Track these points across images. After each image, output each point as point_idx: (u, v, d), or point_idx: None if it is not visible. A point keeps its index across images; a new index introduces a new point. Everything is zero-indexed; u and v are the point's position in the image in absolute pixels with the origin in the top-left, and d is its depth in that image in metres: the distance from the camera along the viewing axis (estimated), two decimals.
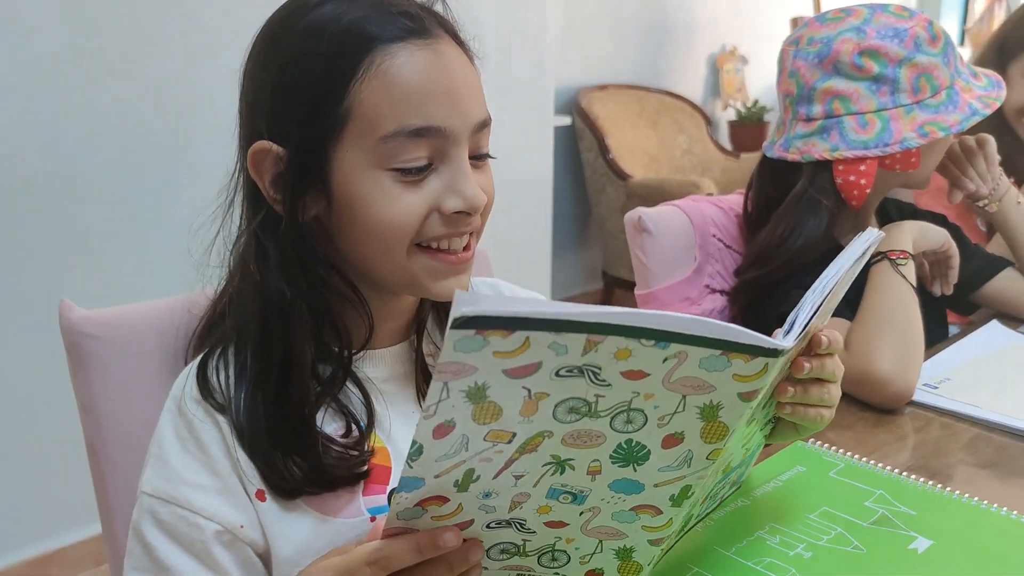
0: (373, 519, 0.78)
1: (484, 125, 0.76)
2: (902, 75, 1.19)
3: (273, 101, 0.73)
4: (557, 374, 0.51)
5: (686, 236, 1.37)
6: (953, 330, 1.44)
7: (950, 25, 5.82)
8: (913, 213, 1.41)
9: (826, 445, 0.96)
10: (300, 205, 0.74)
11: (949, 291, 1.31)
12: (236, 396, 0.75)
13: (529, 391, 0.52)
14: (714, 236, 1.39)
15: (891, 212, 1.40)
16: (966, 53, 5.00)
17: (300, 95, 0.72)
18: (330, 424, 0.77)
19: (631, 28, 4.07)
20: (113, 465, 0.84)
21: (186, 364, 0.83)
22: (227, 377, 0.76)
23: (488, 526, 0.63)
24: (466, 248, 0.77)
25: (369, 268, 0.77)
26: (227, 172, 0.81)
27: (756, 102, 4.47)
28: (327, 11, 0.73)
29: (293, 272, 0.75)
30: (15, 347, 1.90)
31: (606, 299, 3.81)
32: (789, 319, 0.64)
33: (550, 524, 0.65)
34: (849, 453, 0.94)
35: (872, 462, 0.92)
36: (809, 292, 0.67)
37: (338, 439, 0.77)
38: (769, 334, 1.24)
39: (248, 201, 0.77)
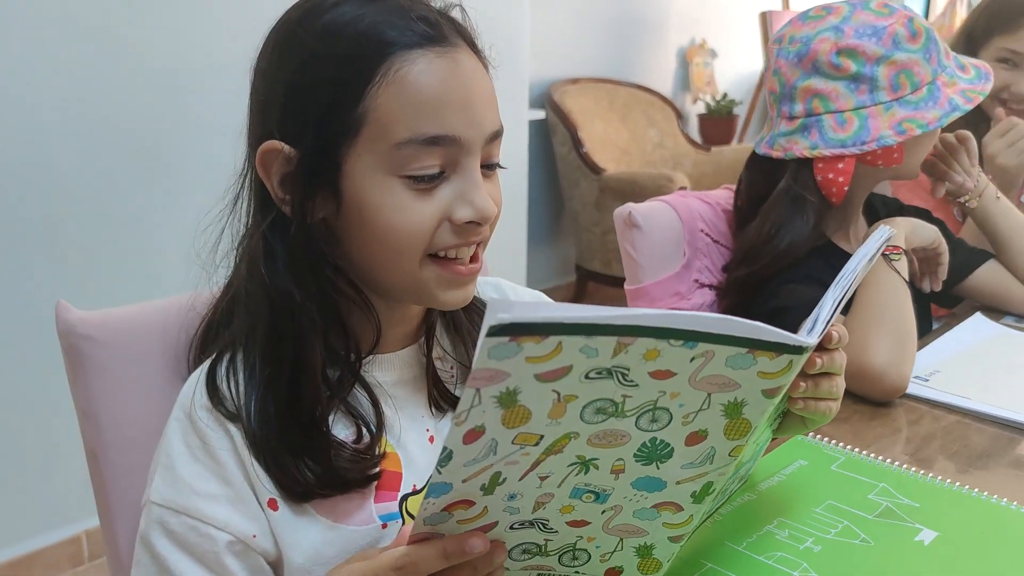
0: (384, 526, 0.77)
1: (497, 135, 0.75)
2: (880, 73, 1.20)
3: (287, 101, 0.72)
4: (587, 376, 0.52)
5: (675, 231, 1.37)
6: (936, 323, 1.46)
7: None
8: (899, 208, 1.43)
9: (825, 439, 0.97)
10: (309, 206, 0.73)
11: (938, 288, 1.33)
12: (247, 402, 0.74)
13: (559, 394, 0.52)
14: (702, 231, 1.39)
15: (877, 207, 1.42)
16: None
17: (315, 96, 0.71)
18: (340, 429, 0.77)
19: (601, 21, 4.08)
20: (114, 468, 0.83)
21: (188, 365, 0.82)
22: (237, 384, 0.75)
23: (511, 527, 0.63)
24: (474, 259, 0.76)
25: (376, 274, 0.76)
26: (227, 170, 0.79)
27: (725, 95, 4.50)
28: (345, 12, 0.72)
29: (302, 274, 0.74)
30: (7, 350, 1.87)
31: (579, 292, 3.82)
32: (812, 316, 0.64)
33: (572, 523, 0.65)
34: (849, 446, 0.95)
35: (872, 455, 0.94)
36: (830, 289, 0.67)
37: (349, 444, 0.76)
38: None
39: (256, 201, 0.76)
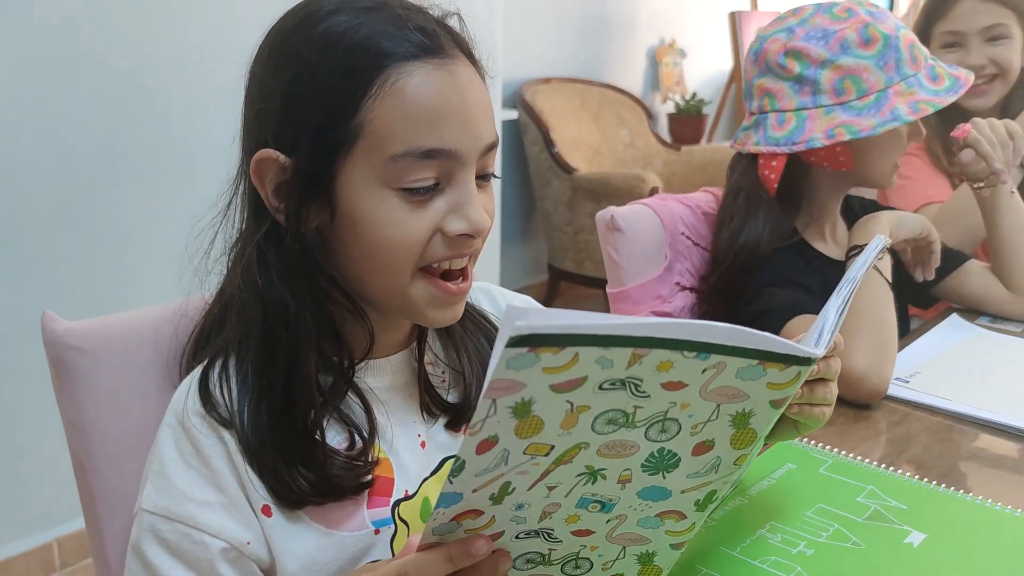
0: (377, 531, 0.78)
1: (493, 146, 0.75)
2: (823, 76, 1.23)
3: (282, 110, 0.71)
4: (600, 387, 0.52)
5: (656, 235, 1.38)
6: (913, 323, 1.48)
7: None
8: (874, 207, 1.45)
9: (812, 442, 0.98)
10: (303, 216, 0.72)
11: (931, 276, 1.35)
12: (240, 408, 0.74)
13: (572, 404, 0.52)
14: (683, 234, 1.40)
15: (856, 208, 1.43)
16: None
17: (311, 106, 0.70)
18: (333, 435, 0.77)
19: (572, 21, 4.09)
20: (103, 479, 0.82)
21: (180, 371, 0.82)
22: (230, 390, 0.75)
23: (516, 536, 0.63)
24: (464, 277, 0.76)
25: (367, 286, 0.76)
26: (215, 178, 0.79)
27: (695, 95, 4.53)
28: (342, 21, 0.71)
29: (296, 283, 0.74)
30: None
31: (552, 292, 3.83)
32: (816, 327, 0.65)
33: (577, 533, 0.65)
34: (835, 449, 0.96)
35: (858, 458, 0.95)
36: (832, 299, 0.68)
37: (342, 451, 0.76)
38: None
39: (250, 210, 0.76)
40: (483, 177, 0.76)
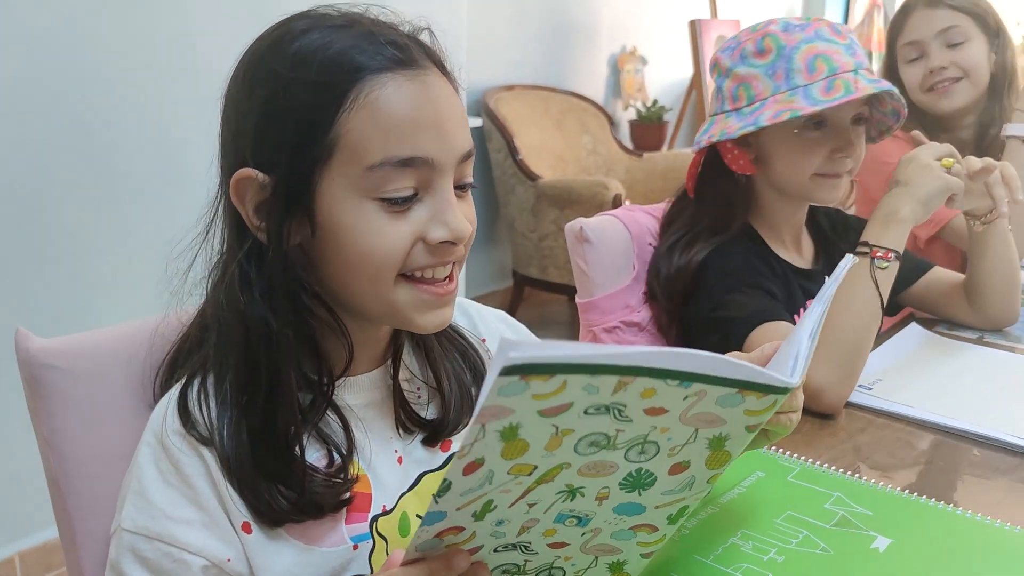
0: (356, 547, 0.78)
1: (469, 155, 0.77)
2: (725, 84, 1.30)
3: (258, 129, 0.72)
4: (586, 412, 0.53)
5: (624, 245, 1.40)
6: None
7: None
8: (843, 220, 1.48)
9: (780, 450, 1.00)
10: (284, 233, 0.73)
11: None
12: (220, 426, 0.74)
13: (557, 428, 0.54)
14: (650, 244, 1.43)
15: (820, 220, 1.46)
16: None
17: (286, 124, 0.71)
18: (311, 452, 0.77)
19: (535, 28, 4.11)
20: (79, 499, 0.81)
21: (155, 391, 0.82)
22: (209, 408, 0.75)
23: (495, 550, 0.64)
24: (449, 279, 0.78)
25: (352, 297, 0.77)
26: (193, 197, 0.79)
27: (655, 102, 4.57)
28: (315, 39, 0.72)
29: (278, 301, 0.74)
30: None
31: (516, 297, 3.84)
32: (791, 354, 0.67)
33: (553, 545, 0.67)
34: (803, 457, 0.99)
35: (825, 465, 0.97)
36: (805, 323, 0.70)
37: (321, 468, 0.77)
38: (707, 335, 1.27)
39: (231, 229, 0.76)
40: (462, 187, 0.77)
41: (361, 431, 0.81)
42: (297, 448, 0.75)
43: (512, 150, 3.58)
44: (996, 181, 1.27)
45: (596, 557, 0.70)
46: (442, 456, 0.87)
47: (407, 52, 0.73)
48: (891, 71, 1.91)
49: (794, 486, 0.93)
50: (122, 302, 1.95)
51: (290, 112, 0.71)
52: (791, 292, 1.35)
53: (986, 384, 1.23)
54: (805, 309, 1.21)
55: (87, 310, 1.95)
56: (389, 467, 0.83)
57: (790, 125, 1.25)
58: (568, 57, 4.31)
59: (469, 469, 0.53)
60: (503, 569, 0.68)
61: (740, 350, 1.19)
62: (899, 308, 1.52)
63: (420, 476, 0.85)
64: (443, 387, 0.87)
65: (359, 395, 0.83)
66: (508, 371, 0.47)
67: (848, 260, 0.75)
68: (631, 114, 4.62)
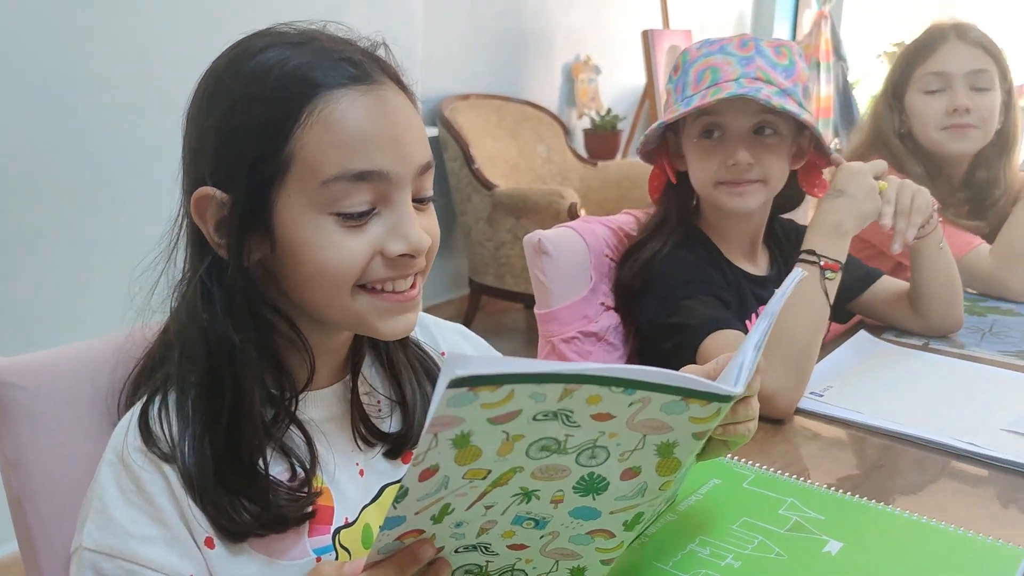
0: (319, 559, 0.79)
1: (427, 168, 0.78)
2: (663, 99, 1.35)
3: (216, 147, 0.73)
4: (534, 418, 0.56)
5: (581, 257, 1.42)
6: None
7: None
8: (795, 230, 1.51)
9: (735, 458, 1.03)
10: (245, 249, 0.74)
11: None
12: (182, 443, 0.75)
13: (507, 434, 0.56)
14: (607, 256, 1.45)
15: (776, 228, 1.50)
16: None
17: (242, 142, 0.72)
18: (275, 467, 0.78)
19: (490, 37, 4.13)
20: (42, 519, 0.81)
21: (119, 409, 0.82)
22: (170, 425, 0.75)
23: (456, 551, 0.67)
24: (412, 287, 0.79)
25: (315, 311, 0.78)
26: (155, 210, 0.79)
27: (609, 111, 4.62)
28: (270, 57, 0.73)
29: (241, 318, 0.75)
30: None
31: (472, 306, 3.85)
32: (736, 364, 0.69)
33: (512, 547, 0.69)
34: (757, 464, 1.01)
35: (778, 471, 1.00)
36: (752, 335, 0.72)
37: (284, 483, 0.77)
38: (662, 341, 1.30)
39: (193, 247, 0.77)
40: (421, 200, 0.78)
41: (324, 445, 0.82)
42: (261, 462, 0.76)
43: (468, 159, 3.60)
44: (902, 211, 1.29)
45: (557, 561, 0.72)
46: (404, 468, 0.88)
47: (362, 68, 0.74)
48: (897, 94, 1.84)
49: (749, 492, 0.96)
50: (83, 320, 1.93)
51: (246, 130, 0.72)
52: (743, 299, 1.38)
53: (932, 390, 1.28)
54: (758, 315, 1.24)
55: (48, 328, 1.93)
56: (351, 480, 0.84)
57: (691, 135, 1.33)
58: (523, 66, 4.34)
59: (424, 476, 0.55)
60: (465, 569, 0.70)
61: (694, 356, 1.22)
62: (849, 316, 1.56)
63: (382, 488, 0.86)
64: (406, 400, 0.89)
65: (320, 409, 0.84)
66: (456, 383, 0.49)
67: (797, 274, 0.78)
68: (585, 123, 4.66)
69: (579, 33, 4.64)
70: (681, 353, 1.23)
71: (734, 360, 0.72)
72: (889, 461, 1.07)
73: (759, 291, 1.40)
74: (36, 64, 1.87)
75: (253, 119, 0.72)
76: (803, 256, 1.25)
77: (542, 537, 0.69)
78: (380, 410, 0.88)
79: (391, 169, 0.73)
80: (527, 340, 3.84)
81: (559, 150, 4.18)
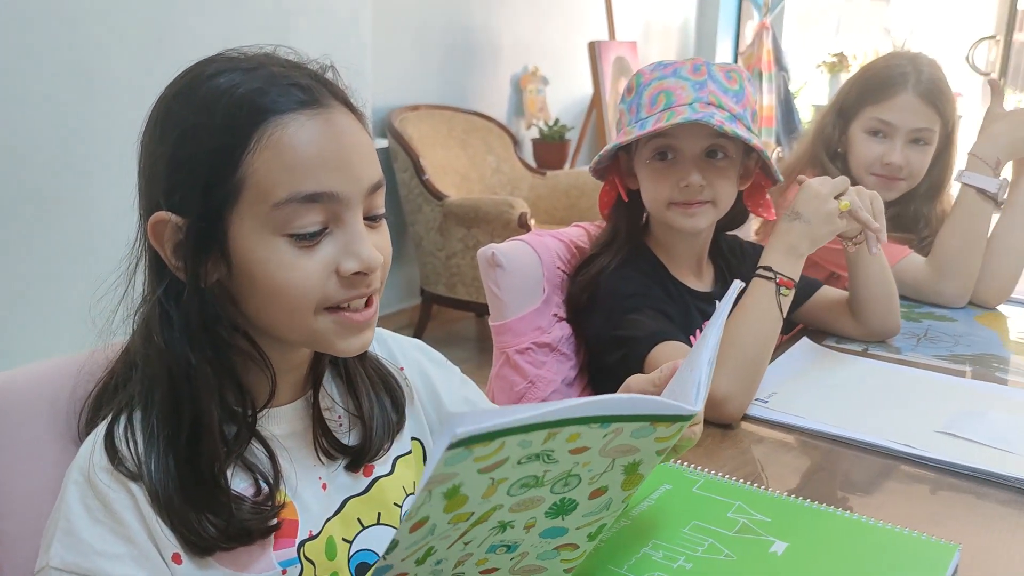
0: (284, 572, 0.81)
1: (378, 187, 0.80)
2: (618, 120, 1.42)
3: (169, 173, 0.75)
4: (519, 462, 0.59)
5: (534, 269, 1.45)
6: None
7: (724, 51, 6.30)
8: (739, 246, 1.56)
9: (685, 463, 1.06)
10: (202, 272, 0.76)
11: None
12: (148, 461, 0.76)
13: (493, 479, 0.59)
14: (559, 268, 1.48)
15: (722, 245, 1.54)
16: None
17: (195, 167, 0.74)
18: (239, 482, 0.80)
19: (438, 48, 4.16)
20: (2, 538, 0.81)
21: (80, 429, 0.83)
22: (136, 443, 0.77)
23: None
24: (368, 304, 0.81)
25: (274, 329, 0.80)
26: (114, 230, 0.80)
27: (557, 121, 4.67)
28: (221, 83, 0.75)
29: (198, 338, 0.77)
30: None
31: (424, 315, 3.86)
32: (694, 381, 0.73)
33: (484, 572, 0.71)
34: (706, 469, 1.05)
35: (726, 476, 1.04)
36: (703, 351, 0.76)
37: (248, 497, 0.79)
38: (610, 352, 1.33)
39: (151, 269, 0.79)
40: (373, 218, 0.80)
41: (287, 460, 0.84)
42: (223, 478, 0.77)
43: (418, 170, 3.61)
44: (856, 207, 1.33)
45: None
46: (365, 481, 0.90)
47: (310, 93, 0.76)
48: (843, 115, 1.84)
49: (699, 497, 1.00)
50: (41, 341, 1.90)
51: (197, 156, 0.74)
52: (688, 314, 1.42)
53: (870, 393, 1.33)
54: (702, 330, 1.28)
55: (6, 346, 1.91)
56: (314, 494, 0.86)
57: (643, 156, 1.37)
58: (471, 77, 4.37)
59: (415, 528, 0.59)
60: None
61: (641, 367, 1.26)
62: (793, 325, 1.61)
63: (344, 501, 0.88)
64: (364, 414, 0.91)
65: (283, 425, 0.85)
66: (455, 444, 0.51)
67: (736, 286, 0.82)
68: (534, 133, 4.70)
69: (526, 44, 4.69)
70: (628, 365, 1.26)
71: (690, 377, 0.75)
72: (831, 464, 1.12)
73: (704, 306, 1.44)
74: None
75: (204, 146, 0.74)
76: (760, 272, 1.30)
77: (512, 559, 0.72)
78: (341, 424, 0.90)
79: (341, 190, 0.76)
80: (479, 349, 3.87)
81: (508, 160, 4.22)
